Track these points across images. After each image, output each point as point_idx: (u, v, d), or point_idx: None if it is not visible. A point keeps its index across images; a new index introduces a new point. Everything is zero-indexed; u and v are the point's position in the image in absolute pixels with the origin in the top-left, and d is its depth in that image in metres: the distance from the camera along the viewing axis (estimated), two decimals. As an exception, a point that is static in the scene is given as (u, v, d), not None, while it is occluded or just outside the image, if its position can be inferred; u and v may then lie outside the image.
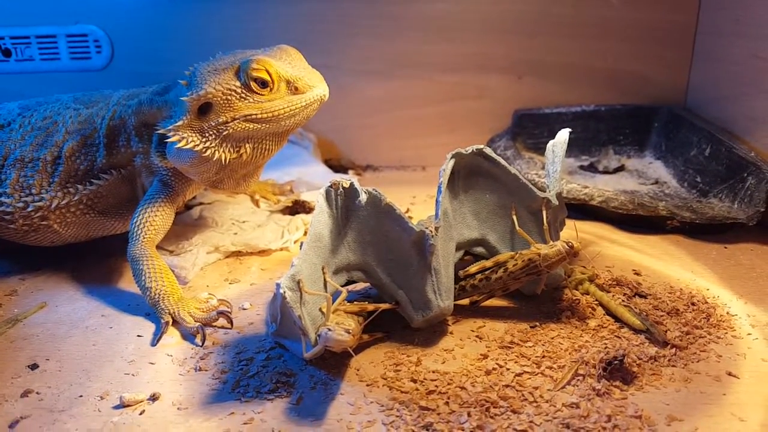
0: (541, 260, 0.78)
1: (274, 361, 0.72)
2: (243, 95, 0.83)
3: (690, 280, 0.91)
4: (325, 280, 0.72)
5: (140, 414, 0.65)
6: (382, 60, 1.41)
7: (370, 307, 0.73)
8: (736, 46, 1.20)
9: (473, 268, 0.82)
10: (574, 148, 1.40)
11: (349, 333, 0.62)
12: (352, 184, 0.75)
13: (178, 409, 0.66)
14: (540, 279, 0.80)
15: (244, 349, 0.75)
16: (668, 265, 0.96)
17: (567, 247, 0.78)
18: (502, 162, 0.83)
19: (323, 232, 0.73)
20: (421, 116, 1.46)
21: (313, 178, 1.24)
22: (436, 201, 0.78)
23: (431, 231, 0.74)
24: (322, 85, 0.88)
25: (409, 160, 1.49)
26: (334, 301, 0.68)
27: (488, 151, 0.83)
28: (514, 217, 0.83)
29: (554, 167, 0.86)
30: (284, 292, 0.63)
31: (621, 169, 1.33)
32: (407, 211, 1.18)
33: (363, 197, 0.75)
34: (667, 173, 1.30)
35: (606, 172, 1.32)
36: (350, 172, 1.44)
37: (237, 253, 1.01)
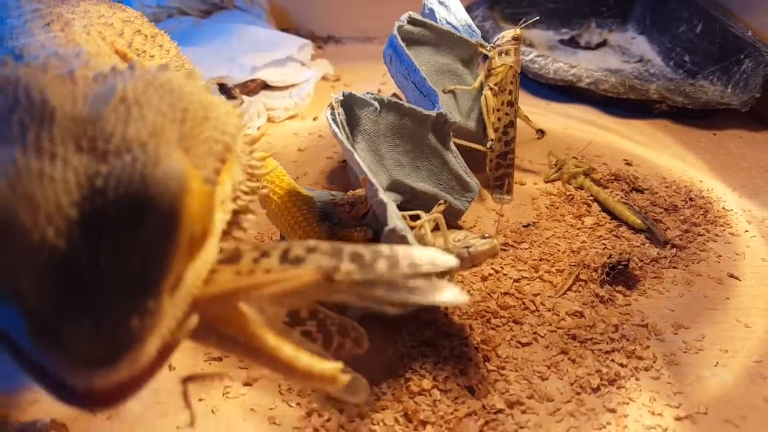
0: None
1: None
2: None
3: (682, 171, 0.87)
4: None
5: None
6: None
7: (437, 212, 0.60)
8: None
9: None
10: (554, 20, 1.30)
11: (487, 236, 0.56)
12: (349, 94, 0.63)
13: None
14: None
15: None
16: (659, 154, 0.91)
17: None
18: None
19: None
20: (384, -21, 1.31)
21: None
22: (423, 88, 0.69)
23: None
24: None
25: (374, 31, 1.34)
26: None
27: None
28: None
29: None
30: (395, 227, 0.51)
31: (603, 44, 1.25)
32: (378, 93, 1.07)
33: (375, 104, 0.64)
34: (651, 50, 1.23)
35: (588, 47, 1.23)
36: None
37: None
